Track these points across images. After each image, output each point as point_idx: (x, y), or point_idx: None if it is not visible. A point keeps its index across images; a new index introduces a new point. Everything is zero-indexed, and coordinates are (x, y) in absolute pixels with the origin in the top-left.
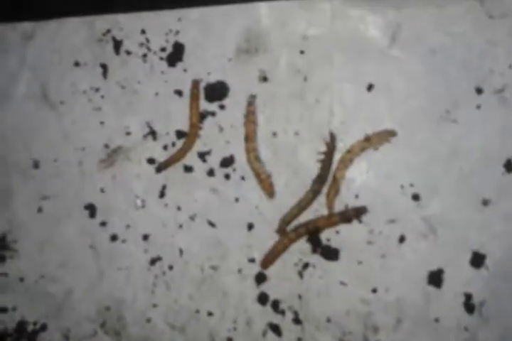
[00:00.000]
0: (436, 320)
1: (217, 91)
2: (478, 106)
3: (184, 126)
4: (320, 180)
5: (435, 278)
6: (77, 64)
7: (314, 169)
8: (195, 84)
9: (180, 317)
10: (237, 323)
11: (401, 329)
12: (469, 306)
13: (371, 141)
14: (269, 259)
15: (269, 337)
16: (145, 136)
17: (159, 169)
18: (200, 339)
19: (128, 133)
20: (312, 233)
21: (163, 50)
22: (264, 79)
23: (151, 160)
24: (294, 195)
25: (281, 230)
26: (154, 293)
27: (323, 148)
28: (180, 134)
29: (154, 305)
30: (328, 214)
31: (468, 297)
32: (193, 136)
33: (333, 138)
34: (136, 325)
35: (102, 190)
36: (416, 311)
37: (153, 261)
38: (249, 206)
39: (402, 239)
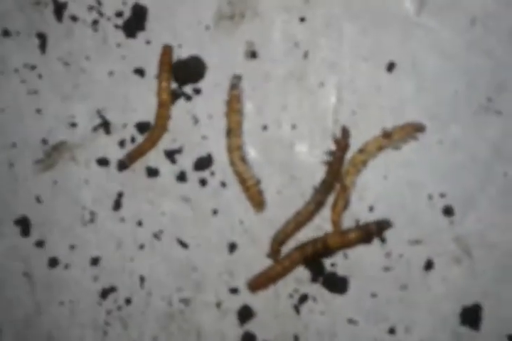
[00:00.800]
0: None
1: (191, 71)
2: None
3: (147, 116)
4: (325, 188)
5: (470, 316)
6: (6, 33)
7: (316, 173)
8: (167, 49)
9: None
10: None
11: None
12: None
13: (391, 138)
14: (259, 281)
15: None
16: (95, 129)
17: (123, 165)
18: None
19: (73, 125)
20: (320, 255)
21: (119, 15)
22: (253, 54)
23: (102, 161)
24: (288, 207)
25: (274, 253)
26: (107, 333)
27: (330, 146)
28: (142, 127)
29: None
30: (341, 230)
31: None
32: (163, 118)
33: (345, 133)
34: None
35: (39, 200)
36: None
37: (105, 293)
38: (230, 221)
39: (428, 265)
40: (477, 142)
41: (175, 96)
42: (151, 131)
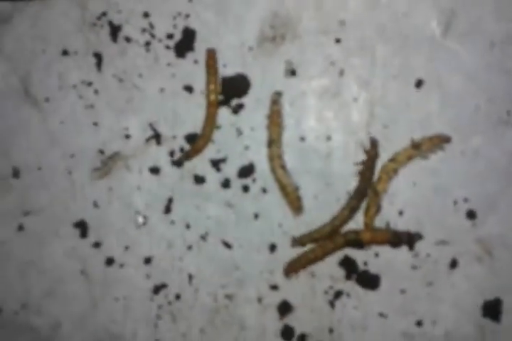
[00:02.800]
0: None
1: (236, 87)
2: None
3: (195, 128)
4: (358, 194)
5: (492, 310)
6: (65, 53)
7: (350, 180)
8: (211, 53)
9: None
10: None
11: None
12: None
13: (420, 148)
14: (294, 267)
15: None
16: (147, 140)
17: (180, 162)
18: None
19: (127, 137)
20: (352, 245)
21: (170, 37)
22: (292, 73)
23: (154, 169)
24: (325, 211)
25: (300, 245)
26: (158, 326)
27: (362, 156)
28: (190, 138)
29: None
30: (375, 228)
31: None
32: (212, 117)
33: (374, 144)
34: None
35: (96, 205)
36: None
37: (156, 289)
38: (271, 223)
39: (453, 264)
40: (497, 152)
41: (221, 111)
42: (201, 131)
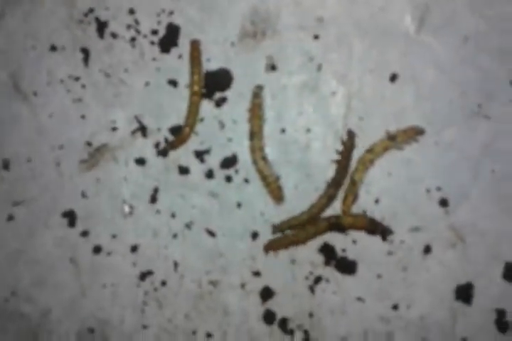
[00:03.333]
0: (464, 340)
1: (219, 81)
2: None
3: (179, 120)
4: (335, 183)
5: (464, 293)
6: (53, 48)
7: (328, 170)
8: (195, 44)
9: (175, 340)
10: None
11: None
12: (502, 324)
13: (396, 140)
14: (274, 245)
15: None
16: (133, 133)
17: (165, 152)
18: None
19: (114, 129)
20: (334, 229)
21: (154, 32)
22: (273, 67)
23: (140, 161)
24: (305, 200)
25: (279, 230)
26: (144, 312)
27: (340, 147)
28: (174, 130)
29: (144, 327)
30: (355, 214)
31: (500, 314)
32: (195, 106)
33: (351, 136)
34: None
35: (84, 195)
36: (442, 330)
37: (143, 276)
38: (253, 212)
39: (427, 250)
40: (469, 143)
41: (204, 100)
42: (184, 120)
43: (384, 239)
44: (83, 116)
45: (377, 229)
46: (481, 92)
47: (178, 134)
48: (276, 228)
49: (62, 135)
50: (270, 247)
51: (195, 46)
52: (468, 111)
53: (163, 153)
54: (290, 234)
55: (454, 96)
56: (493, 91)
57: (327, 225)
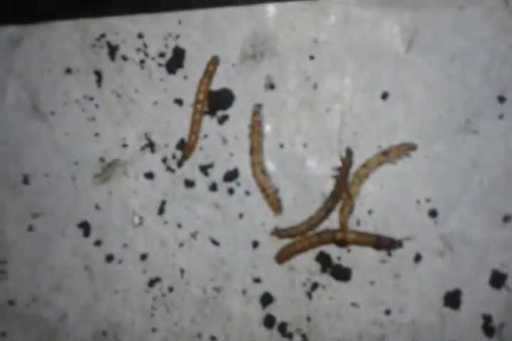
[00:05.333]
0: None
1: (221, 100)
2: (501, 116)
3: (185, 137)
4: (334, 197)
5: (452, 299)
6: (68, 71)
7: (324, 182)
8: (214, 60)
9: None
10: None
11: None
12: (488, 329)
13: (389, 155)
14: (284, 255)
15: None
16: (143, 149)
17: (180, 163)
18: None
19: (124, 146)
20: (337, 243)
21: (162, 55)
22: (271, 86)
23: (148, 175)
24: (302, 211)
25: (278, 237)
26: (153, 316)
27: (337, 163)
28: (180, 146)
29: (153, 330)
30: (362, 232)
31: (487, 319)
32: (199, 112)
33: (349, 153)
34: None
35: (97, 207)
36: (432, 334)
37: (151, 283)
38: (254, 222)
39: (417, 258)
40: (457, 156)
41: (208, 118)
42: (189, 128)
43: (389, 253)
44: (96, 134)
45: (384, 245)
46: (468, 108)
47: (187, 143)
48: (276, 233)
49: (77, 152)
50: (281, 258)
51: (214, 62)
52: (456, 126)
53: (178, 164)
54: (296, 242)
55: (443, 112)
56: (481, 107)
57: (331, 238)
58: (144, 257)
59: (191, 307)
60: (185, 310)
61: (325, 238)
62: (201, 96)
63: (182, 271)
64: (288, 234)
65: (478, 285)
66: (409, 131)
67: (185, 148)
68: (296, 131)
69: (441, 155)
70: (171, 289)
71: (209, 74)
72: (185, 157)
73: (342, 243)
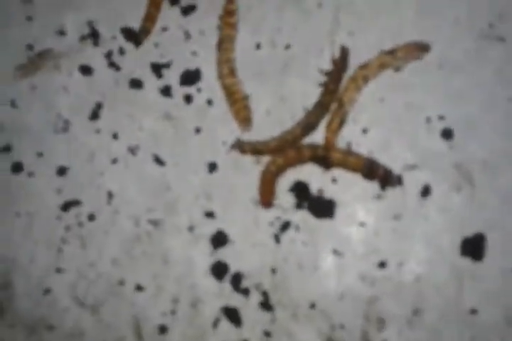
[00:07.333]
0: (473, 312)
1: None
2: None
3: (136, 25)
4: (319, 109)
5: (472, 248)
6: None
7: (308, 94)
8: None
9: (95, 291)
10: (178, 304)
11: (419, 325)
12: None
13: (395, 56)
14: (266, 193)
15: (222, 328)
16: (83, 39)
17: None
18: (118, 324)
19: (61, 34)
20: (319, 163)
21: None
22: None
23: (85, 70)
24: (277, 129)
25: (239, 150)
26: (62, 252)
27: (327, 67)
28: (128, 33)
29: (58, 270)
30: (350, 151)
31: None
32: None
33: (344, 53)
34: (28, 297)
35: (13, 104)
36: (443, 297)
37: (66, 206)
38: (213, 140)
39: (425, 192)
40: (478, 67)
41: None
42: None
43: (383, 187)
44: (29, 18)
45: (377, 174)
46: (492, 11)
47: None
48: (239, 145)
49: (1, 35)
50: (266, 199)
51: None
52: (477, 32)
53: (137, 42)
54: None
55: (461, 13)
56: (508, 8)
57: (312, 156)
58: (61, 172)
59: (115, 244)
60: (106, 247)
61: (304, 153)
62: None
63: (110, 195)
64: (253, 148)
65: (508, 229)
66: (418, 35)
67: (139, 32)
68: (277, 30)
69: (458, 65)
70: (91, 217)
71: None
72: (138, 42)
73: (325, 164)
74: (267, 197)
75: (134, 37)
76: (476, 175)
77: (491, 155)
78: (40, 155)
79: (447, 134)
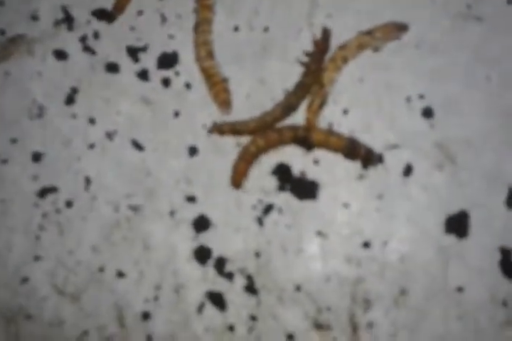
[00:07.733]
0: (460, 290)
1: None
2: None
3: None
4: (300, 90)
5: (457, 226)
6: None
7: (288, 76)
8: None
9: (75, 278)
10: (161, 290)
11: (406, 305)
12: (508, 266)
13: (373, 35)
14: (239, 173)
15: (207, 313)
16: (57, 24)
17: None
18: (100, 312)
19: (34, 19)
20: (301, 145)
21: None
22: None
23: (60, 54)
24: (256, 112)
25: (216, 132)
26: (39, 239)
27: (308, 48)
28: (100, 13)
29: (36, 258)
30: (333, 131)
31: (506, 253)
32: None
33: (326, 34)
34: (5, 286)
35: None
36: (429, 276)
37: (43, 193)
38: (193, 124)
39: (407, 171)
40: (456, 46)
41: None
42: None
43: (365, 166)
44: (2, 2)
45: (359, 153)
46: None
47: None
48: (217, 127)
49: None
50: (237, 179)
51: None
52: (454, 12)
53: (110, 19)
54: (248, 143)
55: None
56: None
57: (292, 137)
58: (37, 158)
59: (95, 231)
60: (85, 234)
61: (285, 134)
62: None
63: (88, 181)
64: (232, 128)
65: (491, 206)
66: (396, 15)
67: (113, 7)
68: (255, 12)
69: (436, 45)
70: (69, 204)
71: None
72: (113, 17)
73: (307, 145)
74: (238, 178)
75: (107, 15)
76: (458, 153)
77: (472, 133)
78: (14, 141)
79: (428, 113)
